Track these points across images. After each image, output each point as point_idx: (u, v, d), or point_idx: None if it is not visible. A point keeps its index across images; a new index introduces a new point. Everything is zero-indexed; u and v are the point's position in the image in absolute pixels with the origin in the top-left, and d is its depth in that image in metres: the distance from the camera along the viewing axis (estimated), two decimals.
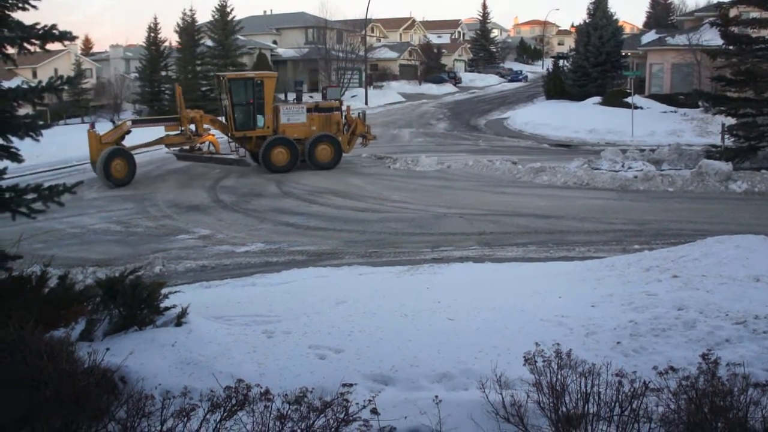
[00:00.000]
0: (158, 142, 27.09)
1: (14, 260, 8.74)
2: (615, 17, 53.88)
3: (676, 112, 40.57)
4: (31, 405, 4.98)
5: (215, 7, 56.78)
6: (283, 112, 27.62)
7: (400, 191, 22.68)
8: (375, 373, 7.50)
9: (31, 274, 8.86)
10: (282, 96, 33.82)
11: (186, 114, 27.10)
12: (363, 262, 14.55)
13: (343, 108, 29.73)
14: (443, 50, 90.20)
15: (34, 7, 8.42)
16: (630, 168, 24.83)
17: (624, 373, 5.58)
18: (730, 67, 25.87)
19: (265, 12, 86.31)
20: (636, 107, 38.33)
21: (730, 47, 25.91)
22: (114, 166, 24.79)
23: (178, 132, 27.03)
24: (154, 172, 28.05)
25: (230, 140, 28.16)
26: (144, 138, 26.58)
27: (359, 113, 30.46)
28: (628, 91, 41.31)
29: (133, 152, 25.78)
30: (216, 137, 28.93)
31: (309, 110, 28.19)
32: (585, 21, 56.26)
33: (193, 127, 27.15)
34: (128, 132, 26.25)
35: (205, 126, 27.54)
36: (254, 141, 27.41)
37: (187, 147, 27.51)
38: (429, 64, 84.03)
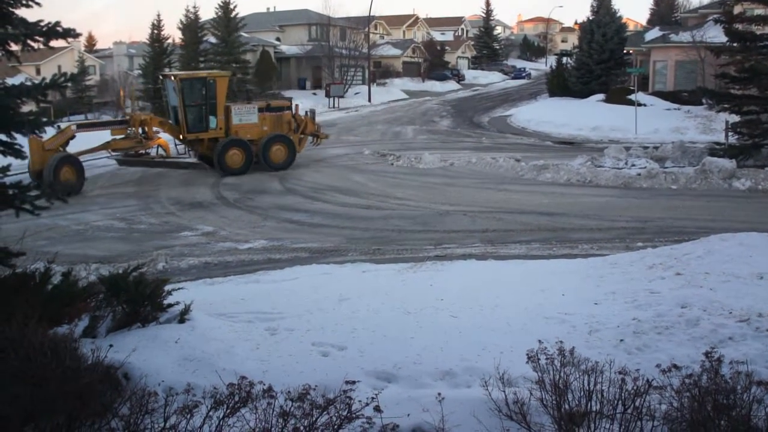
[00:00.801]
0: (104, 146, 25.14)
1: (18, 257, 8.76)
2: (618, 14, 53.72)
3: (679, 109, 40.49)
4: (34, 401, 4.99)
5: (218, 4, 56.73)
6: (235, 113, 26.62)
7: (403, 188, 22.68)
8: (378, 370, 7.50)
9: (35, 270, 8.87)
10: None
11: (137, 116, 25.90)
12: (366, 260, 14.55)
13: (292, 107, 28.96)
14: (446, 47, 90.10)
15: (38, 3, 8.41)
16: (633, 165, 24.82)
17: (627, 371, 5.57)
18: (734, 64, 25.84)
19: (268, 9, 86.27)
20: (639, 104, 38.26)
21: (734, 44, 25.86)
22: (63, 174, 22.60)
23: (123, 136, 25.34)
24: (156, 169, 28.00)
25: (178, 143, 27.05)
26: (91, 143, 24.82)
27: (307, 112, 29.62)
28: (632, 88, 41.26)
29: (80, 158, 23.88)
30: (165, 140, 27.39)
31: (260, 110, 27.33)
32: (588, 18, 56.14)
33: (140, 130, 25.69)
34: (72, 137, 24.08)
35: (154, 129, 26.27)
36: (206, 143, 26.36)
37: (131, 152, 25.91)
38: (432, 62, 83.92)
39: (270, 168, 26.54)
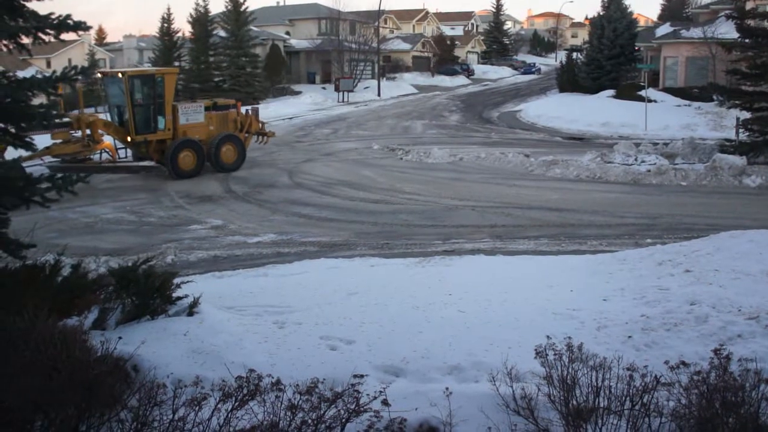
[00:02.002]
0: (45, 152, 22.35)
1: (28, 249, 8.81)
2: (629, 10, 53.47)
3: (690, 105, 40.27)
4: (44, 392, 5.02)
5: None
6: (182, 112, 24.98)
7: (412, 183, 22.67)
8: (386, 364, 7.52)
9: (45, 262, 8.93)
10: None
11: (84, 118, 23.51)
12: (375, 254, 14.57)
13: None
14: (456, 42, 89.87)
15: None
16: (643, 162, 24.71)
17: (635, 368, 5.57)
18: (746, 60, 25.69)
19: (278, 3, 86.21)
20: (650, 100, 38.09)
21: (746, 40, 25.69)
22: None
23: (63, 140, 22.97)
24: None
25: (119, 146, 24.99)
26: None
27: (248, 110, 28.62)
28: (642, 84, 41.04)
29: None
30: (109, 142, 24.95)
31: (206, 109, 26.00)
32: (599, 13, 55.93)
33: (78, 133, 23.29)
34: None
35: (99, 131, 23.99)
36: (154, 145, 24.73)
37: (67, 157, 23.31)
38: (442, 56, 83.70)
39: (220, 169, 25.37)
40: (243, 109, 28.15)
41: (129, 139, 24.29)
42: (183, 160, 24.59)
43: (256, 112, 28.68)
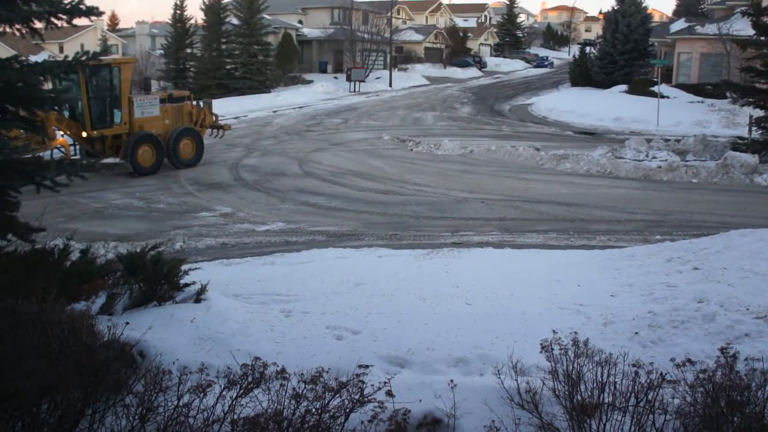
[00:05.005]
0: None
1: (38, 233, 8.85)
2: (644, 5, 53.06)
3: (703, 102, 40.03)
4: (51, 376, 5.05)
5: None
6: (137, 105, 23.47)
7: (422, 174, 22.64)
8: (391, 355, 7.53)
9: (54, 247, 8.98)
10: None
11: (39, 112, 21.05)
12: (383, 245, 14.58)
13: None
14: (469, 34, 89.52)
15: None
16: (654, 158, 24.61)
17: (641, 364, 5.55)
18: (761, 58, 25.48)
19: None
20: (662, 96, 37.84)
21: (762, 38, 25.50)
22: None
23: (13, 137, 19.86)
24: None
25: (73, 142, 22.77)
26: None
27: (199, 102, 27.18)
28: (655, 79, 40.78)
29: None
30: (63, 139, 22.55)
31: (162, 101, 24.59)
32: (613, 8, 55.52)
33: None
34: None
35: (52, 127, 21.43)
36: (109, 141, 23.02)
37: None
38: (454, 48, 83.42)
39: (179, 165, 24.23)
40: (194, 102, 26.83)
41: (84, 134, 22.40)
42: (142, 156, 23.11)
43: (209, 104, 27.50)
